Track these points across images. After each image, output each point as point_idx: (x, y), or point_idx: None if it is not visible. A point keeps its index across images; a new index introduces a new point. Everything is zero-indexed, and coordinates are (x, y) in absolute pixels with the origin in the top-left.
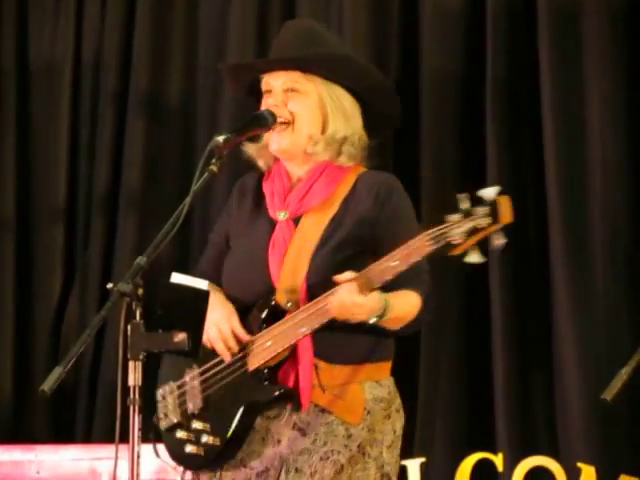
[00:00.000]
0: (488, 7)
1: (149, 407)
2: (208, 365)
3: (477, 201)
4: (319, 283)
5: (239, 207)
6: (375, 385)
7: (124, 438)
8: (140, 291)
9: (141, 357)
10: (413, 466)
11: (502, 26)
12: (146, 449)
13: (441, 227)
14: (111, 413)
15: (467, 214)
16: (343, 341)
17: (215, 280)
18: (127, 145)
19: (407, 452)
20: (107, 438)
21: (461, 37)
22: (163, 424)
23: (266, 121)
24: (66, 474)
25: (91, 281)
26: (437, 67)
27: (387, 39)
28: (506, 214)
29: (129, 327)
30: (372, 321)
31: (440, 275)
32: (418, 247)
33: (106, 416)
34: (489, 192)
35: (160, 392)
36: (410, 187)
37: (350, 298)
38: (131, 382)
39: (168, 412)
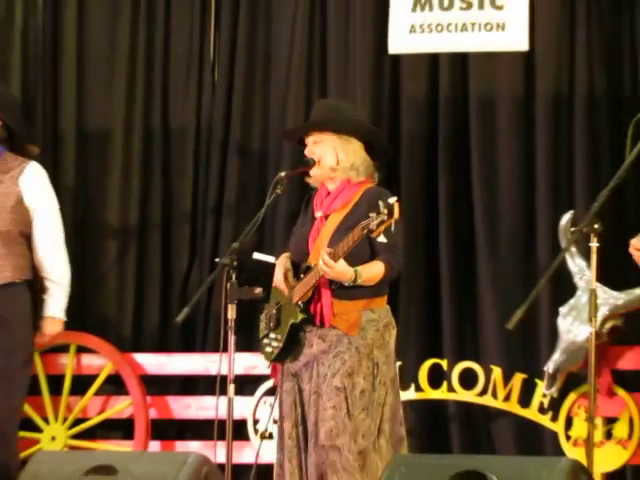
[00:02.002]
0: (440, 96)
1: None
2: (278, 300)
3: (386, 205)
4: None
5: (304, 211)
6: (369, 312)
7: (225, 349)
8: (235, 263)
9: (235, 302)
10: None
11: (450, 106)
12: (238, 356)
13: (367, 221)
14: (217, 334)
15: (378, 212)
16: (347, 288)
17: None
18: (227, 175)
19: None
20: (215, 349)
21: (424, 111)
22: (260, 335)
23: (309, 164)
24: (190, 370)
25: (205, 258)
26: (410, 130)
27: (380, 113)
28: (397, 213)
29: (228, 284)
30: (350, 284)
31: (412, 250)
32: (357, 232)
33: (215, 336)
34: (390, 200)
35: (261, 317)
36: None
37: (324, 260)
38: (229, 316)
39: (262, 329)
